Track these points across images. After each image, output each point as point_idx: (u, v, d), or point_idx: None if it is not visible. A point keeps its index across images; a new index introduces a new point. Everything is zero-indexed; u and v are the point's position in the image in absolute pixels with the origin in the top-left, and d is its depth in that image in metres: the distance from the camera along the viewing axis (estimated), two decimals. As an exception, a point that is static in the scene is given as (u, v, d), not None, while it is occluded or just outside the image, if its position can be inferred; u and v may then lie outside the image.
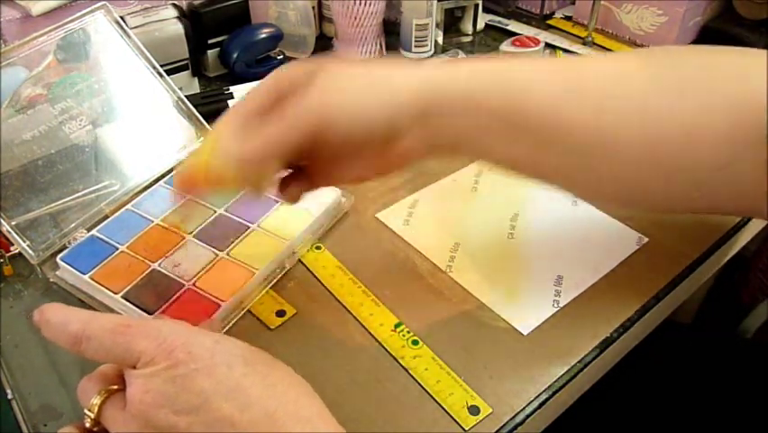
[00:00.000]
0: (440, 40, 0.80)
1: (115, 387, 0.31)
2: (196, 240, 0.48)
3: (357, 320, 0.44)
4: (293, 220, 0.50)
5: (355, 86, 0.35)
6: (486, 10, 0.85)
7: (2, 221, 0.46)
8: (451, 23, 0.82)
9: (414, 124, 0.36)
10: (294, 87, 0.35)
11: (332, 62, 0.36)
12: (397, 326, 0.44)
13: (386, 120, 0.35)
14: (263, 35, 0.71)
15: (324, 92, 0.35)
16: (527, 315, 0.44)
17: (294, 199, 0.41)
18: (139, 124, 0.56)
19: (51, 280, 0.47)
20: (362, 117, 0.35)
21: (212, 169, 0.35)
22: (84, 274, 0.45)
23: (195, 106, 0.58)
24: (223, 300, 0.43)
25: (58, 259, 0.46)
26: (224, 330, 0.43)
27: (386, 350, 0.42)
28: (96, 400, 0.31)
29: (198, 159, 0.36)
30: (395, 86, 0.36)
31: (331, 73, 0.35)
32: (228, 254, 0.47)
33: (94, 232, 0.49)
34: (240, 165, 0.35)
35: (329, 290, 0.46)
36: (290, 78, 0.36)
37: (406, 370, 0.41)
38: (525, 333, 0.43)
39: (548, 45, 0.77)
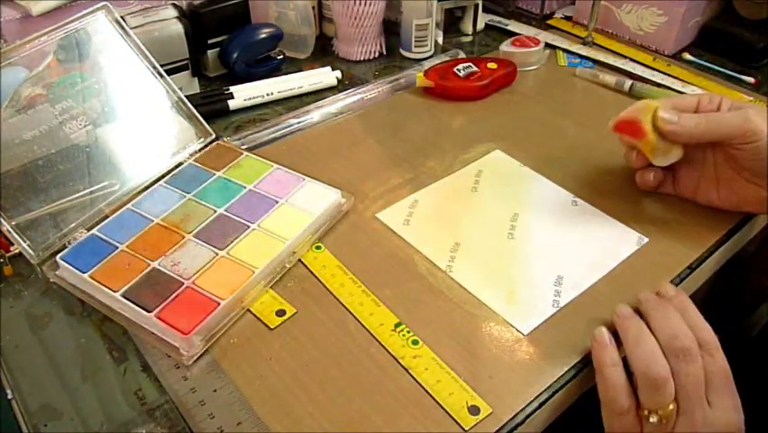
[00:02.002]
0: (440, 40, 0.80)
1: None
2: (195, 239, 0.48)
3: (357, 320, 0.44)
4: (293, 220, 0.50)
5: None
6: (486, 10, 0.85)
7: (2, 221, 0.46)
8: (451, 22, 0.82)
9: None
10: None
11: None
12: (397, 326, 0.44)
13: None
14: (263, 35, 0.71)
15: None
16: (527, 315, 0.44)
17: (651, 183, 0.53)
18: (139, 124, 0.56)
19: (51, 279, 0.47)
20: None
21: (658, 117, 0.48)
22: (84, 273, 0.45)
23: (195, 106, 0.58)
24: (222, 298, 0.43)
25: (58, 258, 0.46)
26: (224, 329, 0.43)
27: (386, 350, 0.42)
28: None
29: (647, 106, 0.49)
30: None
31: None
32: (228, 253, 0.47)
33: (94, 231, 0.49)
34: (679, 125, 0.48)
35: (329, 290, 0.46)
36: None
37: (407, 370, 0.41)
38: (525, 333, 0.43)
39: (548, 45, 0.77)
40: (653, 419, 0.38)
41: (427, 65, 0.72)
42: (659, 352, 0.39)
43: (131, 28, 0.57)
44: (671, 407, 0.38)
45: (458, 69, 0.68)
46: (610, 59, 0.74)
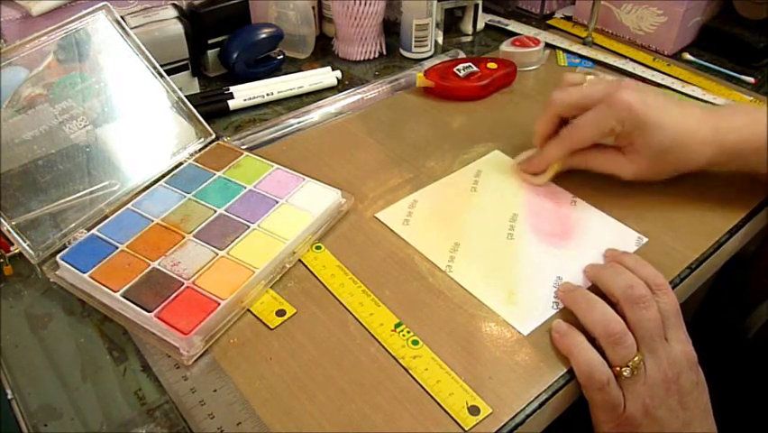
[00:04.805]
0: (440, 40, 0.80)
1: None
2: (195, 239, 0.48)
3: (357, 320, 0.44)
4: (293, 220, 0.50)
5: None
6: (486, 10, 0.85)
7: (2, 221, 0.46)
8: (451, 22, 0.82)
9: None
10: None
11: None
12: (397, 326, 0.44)
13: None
14: (263, 35, 0.71)
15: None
16: (527, 315, 0.44)
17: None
18: (139, 124, 0.56)
19: (51, 279, 0.47)
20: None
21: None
22: (84, 273, 0.45)
23: (195, 106, 0.58)
24: (222, 299, 0.43)
25: (58, 258, 0.46)
26: (224, 329, 0.43)
27: (386, 350, 0.42)
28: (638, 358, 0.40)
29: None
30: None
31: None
32: (228, 254, 0.47)
33: (94, 231, 0.49)
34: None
35: (329, 290, 0.46)
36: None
37: (407, 370, 0.41)
38: (525, 333, 0.43)
39: (548, 45, 0.77)
40: (626, 373, 0.40)
41: (427, 65, 0.72)
42: (610, 310, 0.42)
43: (131, 28, 0.57)
44: (636, 357, 0.40)
45: (458, 69, 0.68)
46: (610, 60, 0.74)
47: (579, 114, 0.51)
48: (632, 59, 0.74)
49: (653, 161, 0.50)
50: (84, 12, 0.53)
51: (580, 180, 0.56)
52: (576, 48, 0.77)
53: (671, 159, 0.50)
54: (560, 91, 0.53)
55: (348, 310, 0.45)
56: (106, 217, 0.50)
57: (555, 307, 0.45)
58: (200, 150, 0.57)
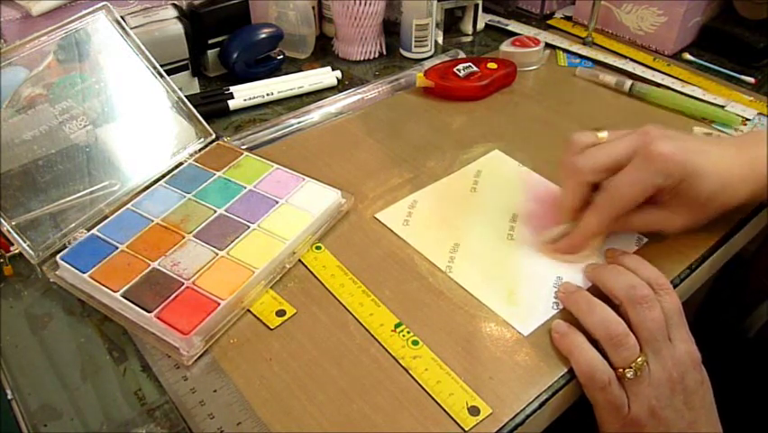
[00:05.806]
0: (440, 40, 0.80)
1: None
2: (195, 239, 0.48)
3: (357, 320, 0.44)
4: (293, 220, 0.50)
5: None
6: (486, 10, 0.85)
7: (2, 221, 0.46)
8: (451, 22, 0.82)
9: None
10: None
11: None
12: (397, 326, 0.44)
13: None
14: (263, 35, 0.71)
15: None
16: (527, 316, 0.44)
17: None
18: (139, 124, 0.56)
19: (51, 279, 0.47)
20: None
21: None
22: (84, 273, 0.45)
23: (195, 106, 0.58)
24: (222, 299, 0.43)
25: (58, 258, 0.46)
26: (224, 329, 0.43)
27: (386, 350, 0.42)
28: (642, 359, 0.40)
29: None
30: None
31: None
32: (228, 254, 0.47)
33: (94, 231, 0.49)
34: None
35: (329, 290, 0.46)
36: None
37: (407, 370, 0.41)
38: (525, 334, 0.43)
39: (548, 45, 0.77)
40: (629, 375, 0.40)
41: (427, 65, 0.72)
42: (611, 312, 0.42)
43: (131, 28, 0.57)
44: (640, 359, 0.40)
45: (458, 69, 0.68)
46: (610, 59, 0.74)
47: (608, 177, 0.47)
48: (632, 60, 0.74)
49: (701, 209, 0.47)
50: (84, 12, 0.53)
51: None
52: (576, 48, 0.77)
53: (717, 202, 0.47)
54: (582, 157, 0.47)
55: (348, 310, 0.45)
56: (106, 217, 0.50)
57: (556, 307, 0.45)
58: (200, 150, 0.57)
